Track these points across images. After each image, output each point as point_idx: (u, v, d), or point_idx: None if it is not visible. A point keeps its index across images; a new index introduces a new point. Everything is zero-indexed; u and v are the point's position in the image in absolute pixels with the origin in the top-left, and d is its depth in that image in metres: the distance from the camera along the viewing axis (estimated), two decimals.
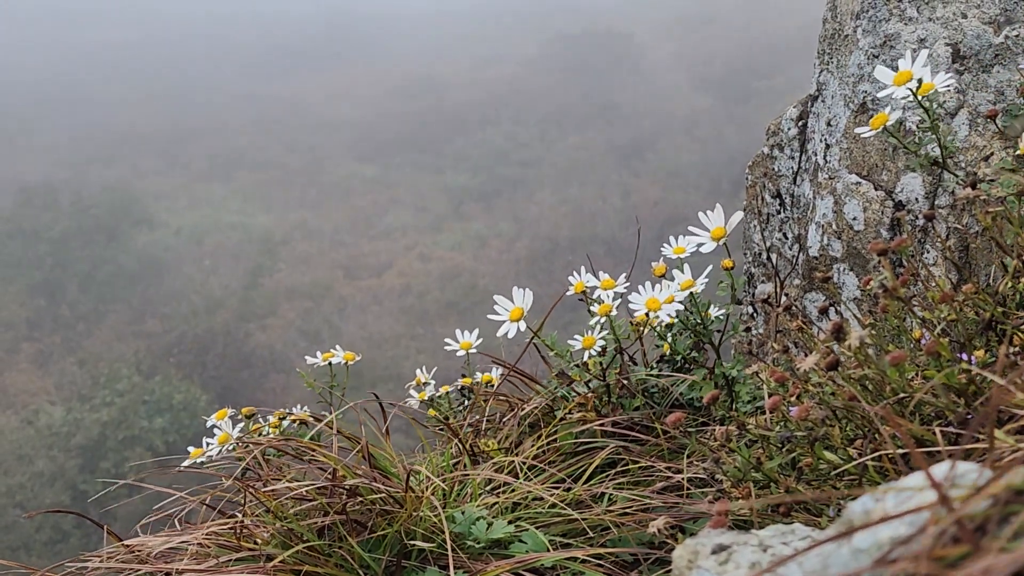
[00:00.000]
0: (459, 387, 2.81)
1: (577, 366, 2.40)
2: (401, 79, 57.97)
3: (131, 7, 71.73)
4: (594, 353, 2.34)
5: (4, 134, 49.13)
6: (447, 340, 2.69)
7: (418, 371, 2.82)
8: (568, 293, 2.44)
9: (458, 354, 2.67)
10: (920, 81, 1.98)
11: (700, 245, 2.24)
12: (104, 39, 64.91)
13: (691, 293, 2.27)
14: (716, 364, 2.32)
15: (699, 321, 2.33)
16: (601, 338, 2.35)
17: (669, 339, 2.43)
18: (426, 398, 2.75)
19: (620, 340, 2.35)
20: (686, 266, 2.30)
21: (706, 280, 2.27)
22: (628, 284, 2.40)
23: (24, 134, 49.71)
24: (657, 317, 2.31)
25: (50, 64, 59.39)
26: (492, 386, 2.72)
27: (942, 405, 1.39)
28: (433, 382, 2.81)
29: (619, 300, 2.35)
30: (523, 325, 2.31)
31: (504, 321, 2.34)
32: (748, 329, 3.30)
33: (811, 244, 2.90)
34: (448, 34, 66.56)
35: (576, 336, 2.39)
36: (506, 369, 2.61)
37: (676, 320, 2.38)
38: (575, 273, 2.44)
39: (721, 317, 2.36)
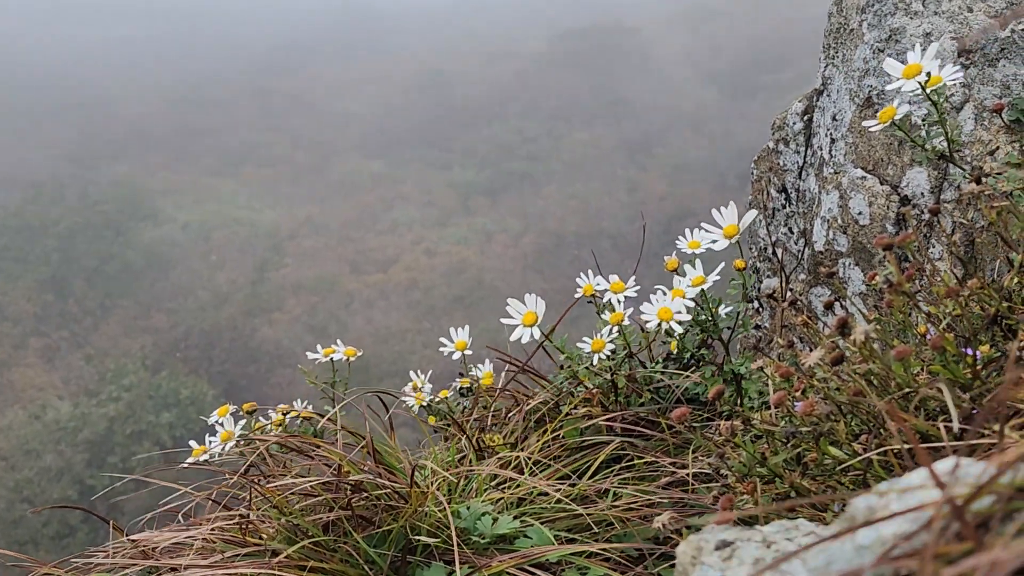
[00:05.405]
0: (458, 389, 2.79)
1: (587, 368, 2.39)
2: (409, 74, 57.97)
3: (139, 2, 71.82)
4: (603, 357, 2.33)
5: (11, 129, 49.20)
6: (442, 340, 2.67)
7: (413, 375, 2.79)
8: (577, 295, 2.43)
9: (454, 357, 2.65)
10: (929, 74, 1.97)
11: (713, 242, 2.22)
12: (112, 34, 64.99)
13: (702, 290, 2.25)
14: (725, 361, 2.31)
15: (709, 318, 2.32)
16: (611, 342, 2.34)
17: (677, 336, 2.42)
18: (424, 403, 2.73)
19: (631, 345, 2.35)
20: (698, 262, 2.28)
21: (718, 278, 2.25)
22: (638, 287, 2.39)
23: (31, 129, 49.77)
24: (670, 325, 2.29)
25: (57, 59, 59.45)
26: (503, 384, 2.71)
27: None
28: (430, 385, 2.78)
29: (631, 308, 2.34)
30: (537, 332, 2.30)
31: (517, 326, 2.32)
32: (758, 327, 3.30)
33: (816, 239, 2.89)
34: (456, 29, 66.52)
35: (585, 339, 2.38)
36: (512, 366, 2.60)
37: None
38: (583, 275, 2.43)
39: (731, 315, 2.35)
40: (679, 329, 2.24)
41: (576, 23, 61.31)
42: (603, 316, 2.37)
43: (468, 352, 2.65)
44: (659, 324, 2.25)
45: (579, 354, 2.40)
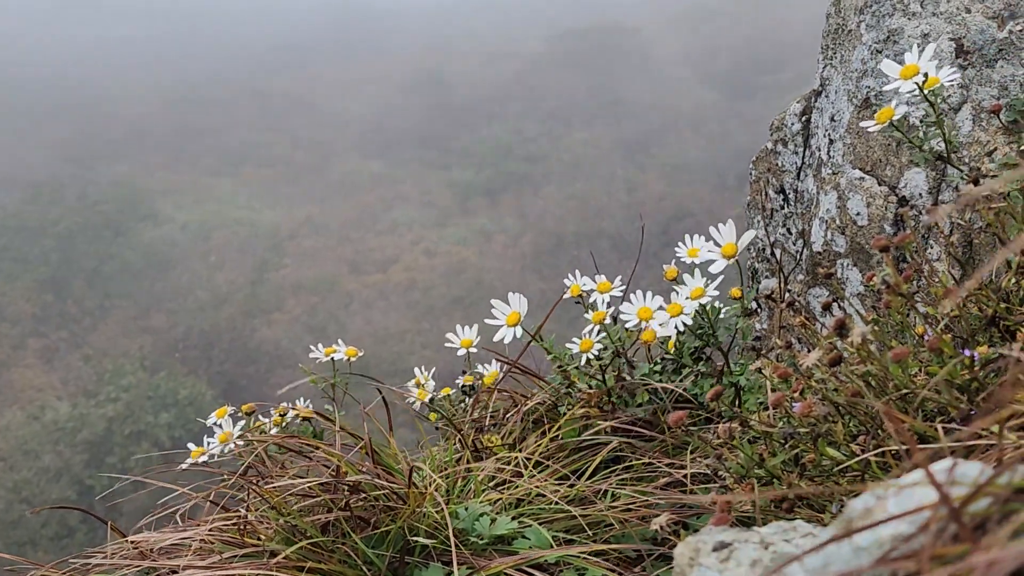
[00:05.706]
0: (461, 386, 2.79)
1: (577, 368, 2.40)
2: (408, 74, 57.94)
3: (139, 2, 71.78)
4: (591, 357, 2.33)
5: (11, 129, 49.15)
6: (448, 336, 2.67)
7: (417, 370, 2.80)
8: (566, 296, 2.43)
9: (459, 353, 2.66)
10: (926, 75, 1.97)
11: (711, 263, 2.17)
12: (112, 34, 64.95)
13: (701, 304, 2.22)
14: (724, 372, 2.30)
15: (708, 324, 2.30)
16: (599, 341, 2.34)
17: (673, 338, 2.41)
18: (427, 399, 2.73)
19: (616, 345, 2.34)
20: (697, 271, 2.24)
21: (717, 292, 2.22)
22: (625, 287, 2.38)
23: (31, 129, 49.72)
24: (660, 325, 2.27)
25: (57, 59, 59.39)
26: (495, 382, 2.71)
27: (945, 401, 1.39)
28: (433, 382, 2.79)
29: (619, 304, 2.34)
30: (519, 331, 2.31)
31: (502, 326, 2.33)
32: (758, 339, 3.30)
33: (815, 239, 2.89)
34: (455, 29, 66.47)
35: (575, 339, 2.38)
36: (509, 365, 2.60)
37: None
38: (570, 276, 2.44)
39: (730, 327, 2.33)
40: (662, 332, 2.23)
41: (576, 23, 61.28)
42: (589, 316, 2.37)
43: (473, 350, 2.65)
44: (639, 323, 2.24)
45: (567, 354, 2.40)
